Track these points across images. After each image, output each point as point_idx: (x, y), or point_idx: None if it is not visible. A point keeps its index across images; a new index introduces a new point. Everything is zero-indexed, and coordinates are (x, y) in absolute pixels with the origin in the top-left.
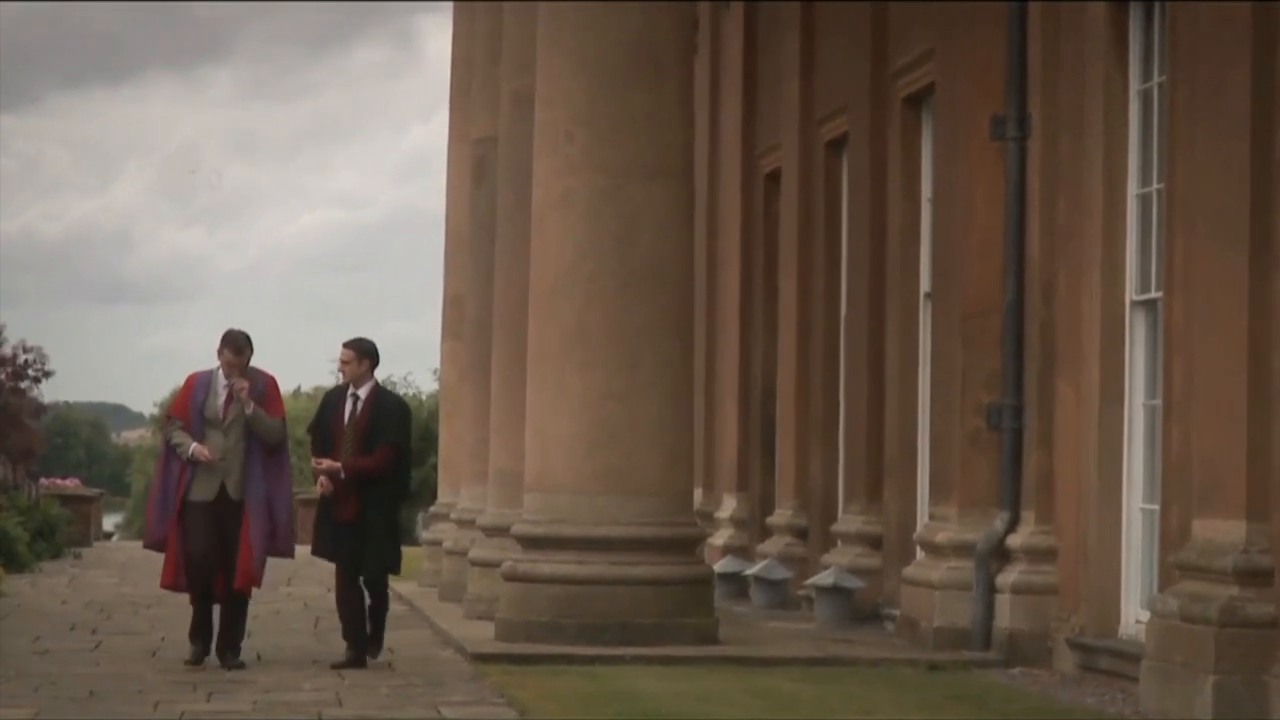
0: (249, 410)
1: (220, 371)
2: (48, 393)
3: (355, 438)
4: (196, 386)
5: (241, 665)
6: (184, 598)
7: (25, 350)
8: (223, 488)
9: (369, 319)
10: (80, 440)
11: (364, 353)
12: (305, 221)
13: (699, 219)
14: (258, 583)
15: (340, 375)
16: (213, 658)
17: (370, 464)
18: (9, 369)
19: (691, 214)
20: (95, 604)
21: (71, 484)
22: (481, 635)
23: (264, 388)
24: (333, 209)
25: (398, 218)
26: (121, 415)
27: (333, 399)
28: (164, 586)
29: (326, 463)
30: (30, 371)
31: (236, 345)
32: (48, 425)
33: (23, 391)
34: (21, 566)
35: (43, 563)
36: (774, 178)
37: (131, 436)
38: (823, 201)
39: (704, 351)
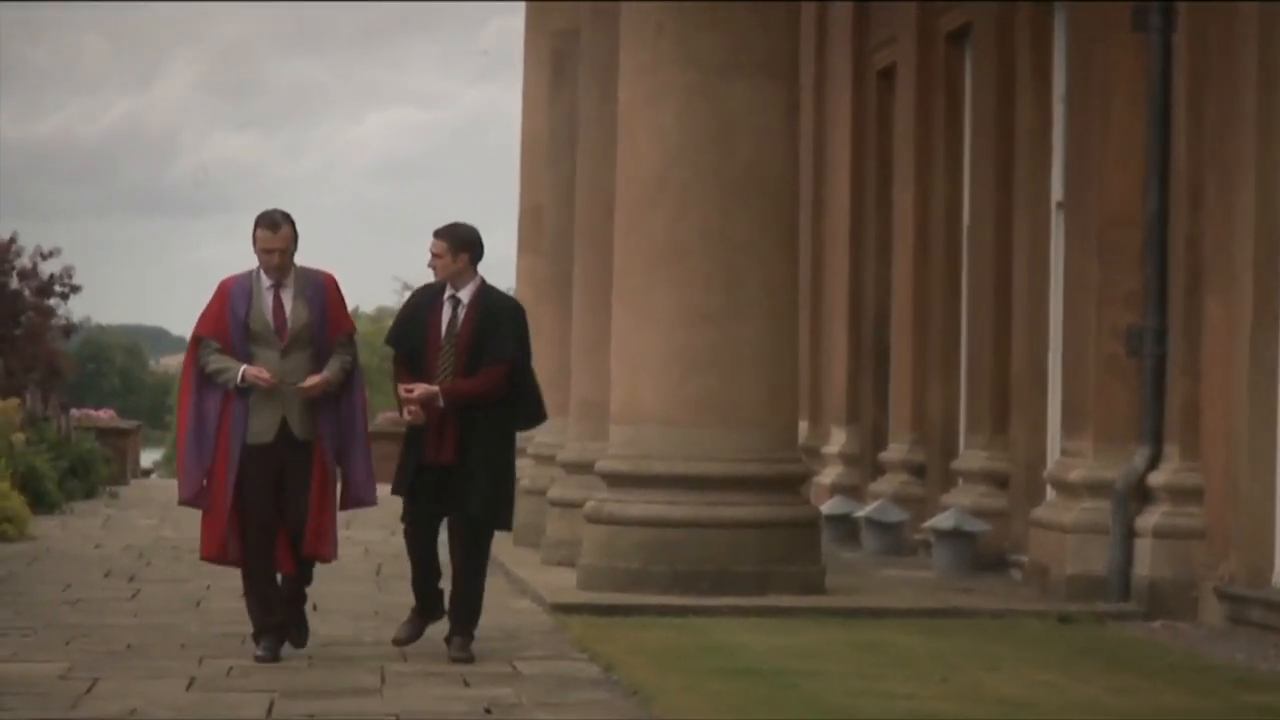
0: (326, 387)
1: (260, 271)
2: (77, 310)
3: (456, 353)
4: (233, 294)
5: (304, 642)
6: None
7: (44, 256)
8: (284, 424)
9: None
10: (115, 367)
11: (462, 243)
12: (372, 124)
13: (804, 121)
14: (331, 550)
15: (434, 273)
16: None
17: (478, 386)
18: (32, 284)
19: (796, 115)
20: (133, 548)
21: (106, 415)
22: (561, 583)
23: (323, 292)
24: (403, 109)
25: (474, 120)
26: (161, 340)
27: (423, 301)
28: (206, 558)
29: (420, 388)
30: (56, 287)
31: (271, 221)
32: (78, 349)
33: (48, 309)
34: (51, 507)
35: (74, 503)
36: (888, 75)
37: (172, 363)
38: (942, 101)
39: (809, 268)
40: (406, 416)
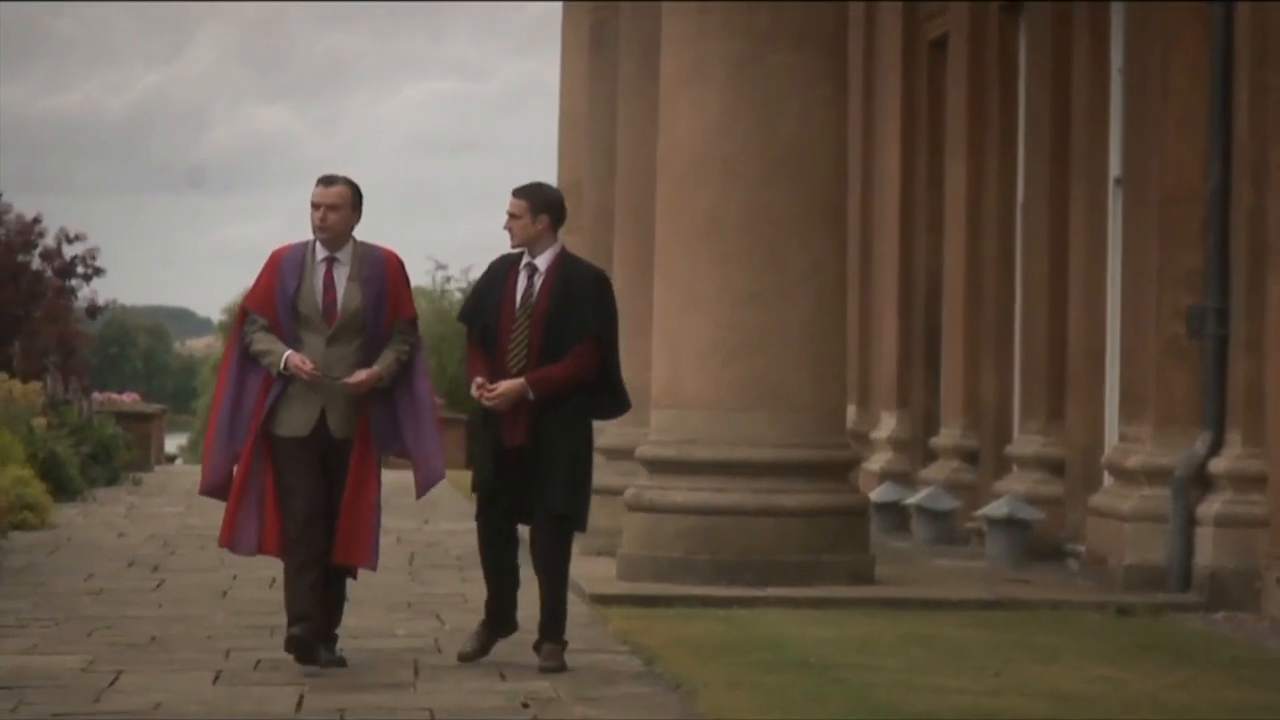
0: (375, 384)
1: (316, 243)
2: (101, 293)
3: (531, 328)
4: (284, 267)
5: (342, 661)
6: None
7: (69, 240)
8: (322, 419)
9: (474, 207)
10: (139, 349)
11: (544, 203)
12: (408, 96)
13: (853, 93)
14: (367, 559)
15: (510, 238)
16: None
17: (569, 371)
18: (54, 264)
19: (845, 87)
20: (157, 537)
21: (129, 399)
22: (601, 573)
23: (383, 272)
24: (441, 82)
25: (514, 92)
26: (186, 321)
27: (498, 271)
28: (224, 545)
29: (504, 384)
30: (79, 269)
31: (327, 177)
32: (100, 330)
33: (69, 290)
34: (73, 494)
35: (97, 489)
36: (939, 45)
37: (197, 345)
38: (996, 73)
39: (858, 246)
40: (475, 393)
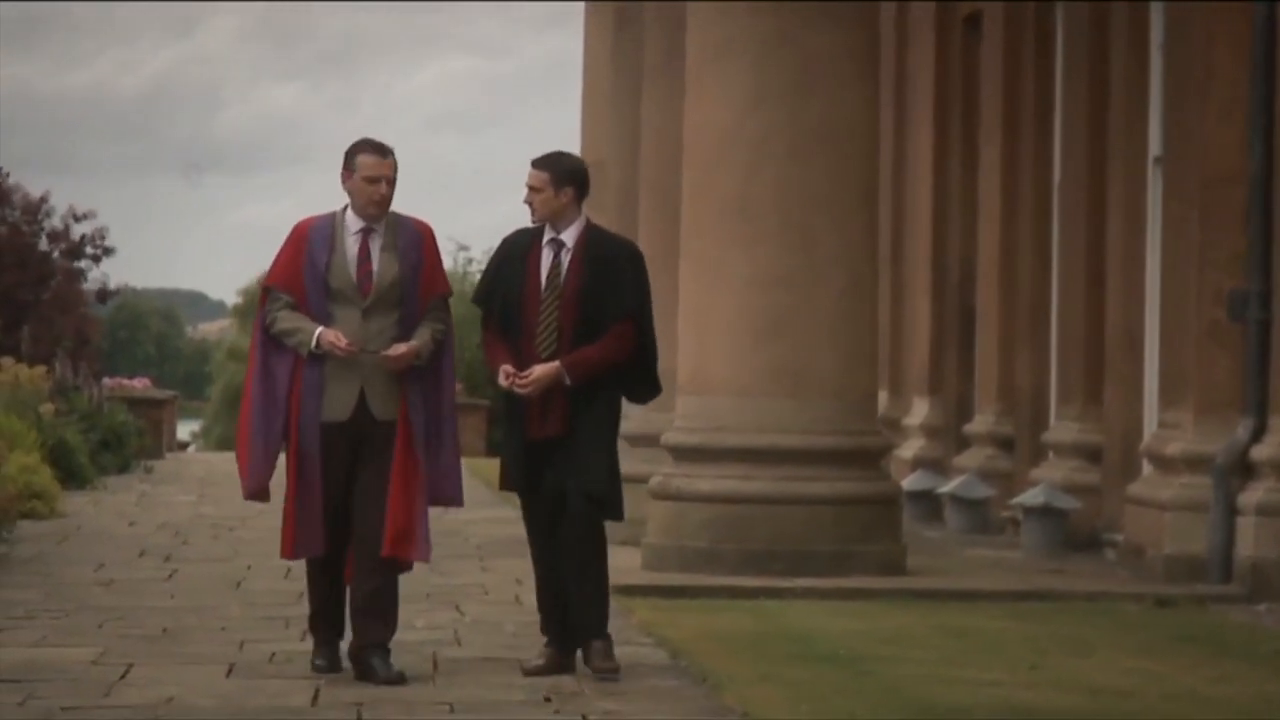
0: (415, 358)
1: (348, 212)
2: (111, 274)
3: (560, 308)
4: (313, 239)
5: (402, 678)
6: (280, 518)
7: (76, 219)
8: (362, 400)
9: (497, 188)
10: (150, 334)
11: (566, 174)
12: (429, 74)
13: (885, 71)
14: (422, 551)
15: (530, 213)
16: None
17: (606, 353)
18: (63, 245)
19: (876, 65)
20: (169, 526)
21: (140, 385)
22: (625, 564)
23: (420, 244)
24: (462, 60)
25: (538, 70)
26: (199, 305)
27: (518, 247)
28: (287, 556)
29: (538, 370)
30: (88, 249)
31: (377, 145)
32: (110, 314)
33: (78, 273)
34: (83, 482)
35: (107, 477)
36: (973, 21)
37: (211, 329)
38: (1032, 49)
39: (890, 228)
40: (504, 382)
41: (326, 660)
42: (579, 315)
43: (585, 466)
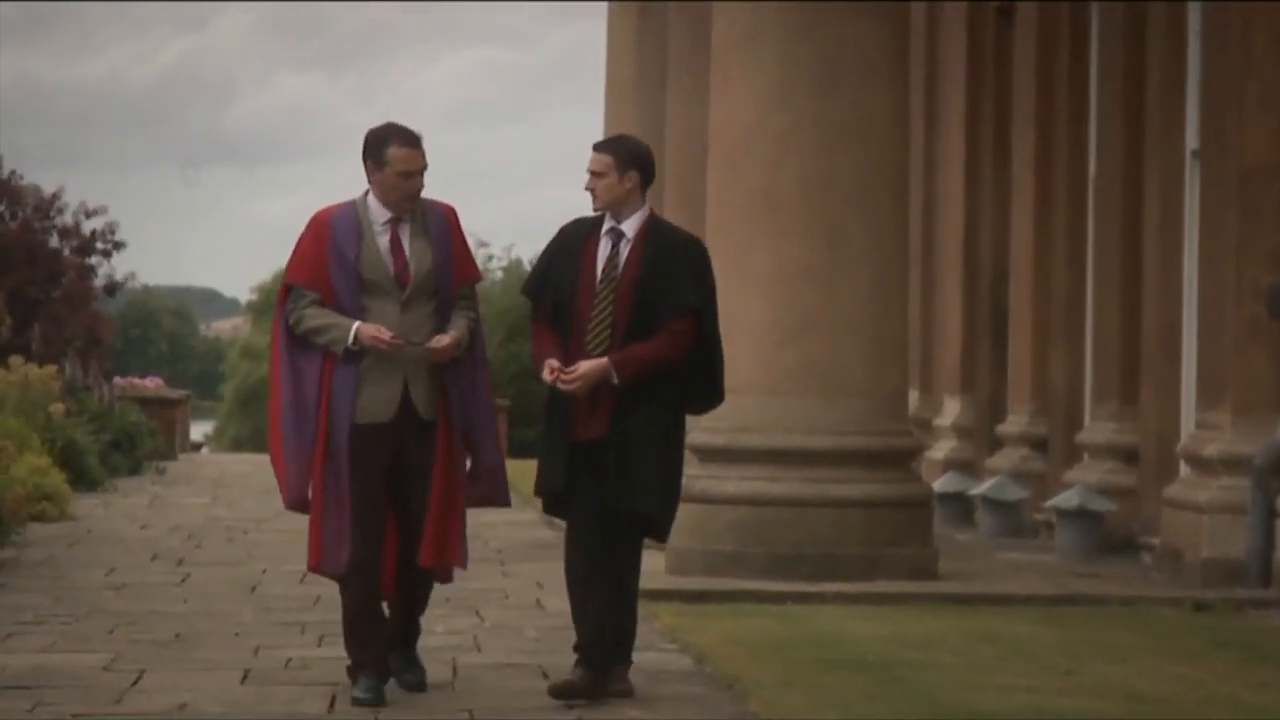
0: (458, 349)
1: (369, 199)
2: (120, 269)
3: (616, 303)
4: (336, 230)
5: (422, 684)
6: (297, 520)
7: (88, 214)
8: (405, 398)
9: (517, 181)
10: (163, 332)
11: (632, 158)
12: (449, 65)
13: (915, 61)
14: (460, 559)
15: (591, 200)
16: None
17: (659, 350)
18: (74, 241)
19: (906, 55)
20: (181, 529)
21: (153, 384)
22: (649, 567)
23: (448, 229)
24: (482, 49)
25: (561, 61)
26: (213, 302)
27: (575, 238)
28: (314, 569)
29: (585, 365)
30: (98, 244)
31: (408, 136)
32: (122, 312)
33: (89, 269)
34: (93, 484)
35: (118, 479)
36: (1006, 11)
37: (224, 327)
38: (1066, 40)
39: (920, 222)
40: (548, 377)
41: (373, 692)
42: (635, 311)
43: (633, 481)
